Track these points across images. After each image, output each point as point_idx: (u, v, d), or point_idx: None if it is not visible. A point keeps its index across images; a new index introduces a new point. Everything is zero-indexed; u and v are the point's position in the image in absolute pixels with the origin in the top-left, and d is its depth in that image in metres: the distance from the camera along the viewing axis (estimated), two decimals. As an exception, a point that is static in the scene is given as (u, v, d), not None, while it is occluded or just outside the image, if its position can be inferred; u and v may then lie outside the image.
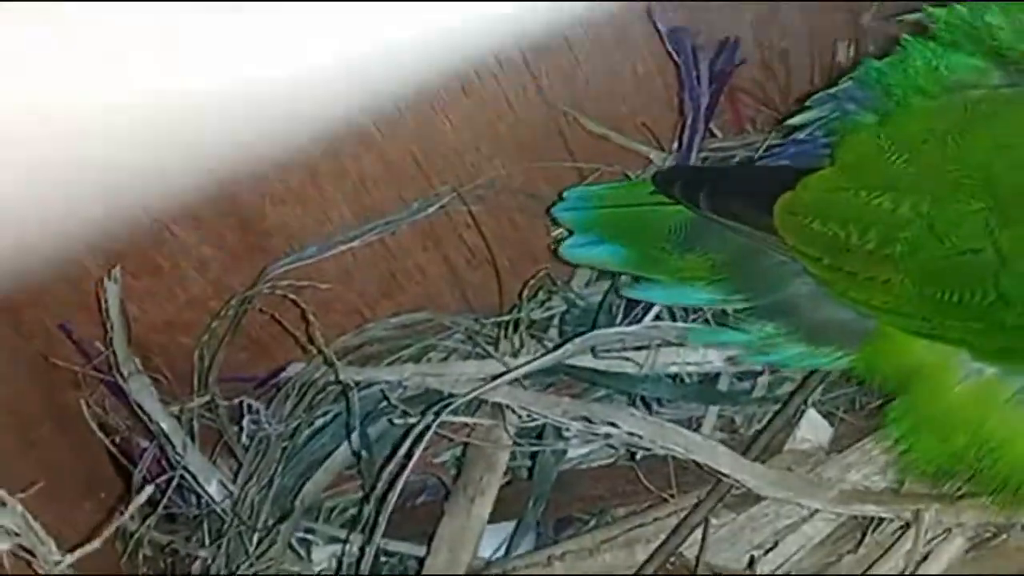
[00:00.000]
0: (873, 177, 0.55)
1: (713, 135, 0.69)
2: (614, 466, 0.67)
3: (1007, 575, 0.57)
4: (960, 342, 0.54)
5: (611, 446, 0.66)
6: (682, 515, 0.61)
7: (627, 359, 0.65)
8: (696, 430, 0.64)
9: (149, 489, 0.54)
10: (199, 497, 0.68)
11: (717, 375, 0.67)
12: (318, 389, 0.68)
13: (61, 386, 0.68)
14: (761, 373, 0.66)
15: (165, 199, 0.63)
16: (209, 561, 0.67)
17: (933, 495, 0.57)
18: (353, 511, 0.69)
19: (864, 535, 0.57)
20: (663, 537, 0.60)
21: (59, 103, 0.57)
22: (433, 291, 0.72)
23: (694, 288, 0.61)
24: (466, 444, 0.66)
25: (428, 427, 0.62)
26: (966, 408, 0.54)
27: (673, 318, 0.65)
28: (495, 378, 0.63)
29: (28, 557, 0.53)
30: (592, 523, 0.66)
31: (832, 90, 0.60)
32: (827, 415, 0.63)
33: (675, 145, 0.68)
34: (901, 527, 0.57)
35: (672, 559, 0.59)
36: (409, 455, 0.61)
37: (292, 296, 0.66)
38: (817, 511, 0.59)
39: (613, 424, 0.62)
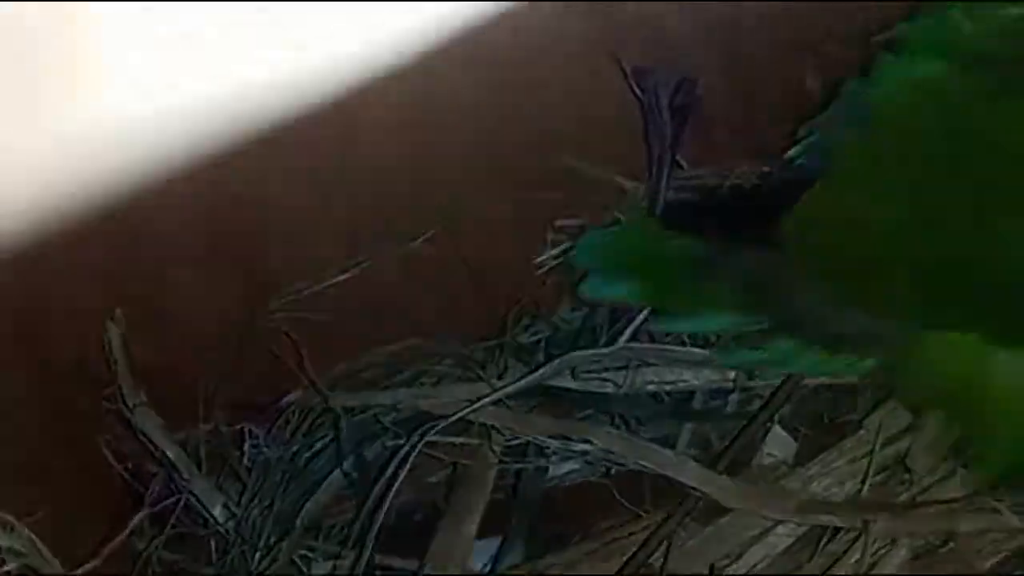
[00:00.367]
0: (867, 185, 0.57)
1: (680, 167, 0.72)
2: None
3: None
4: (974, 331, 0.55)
5: (589, 462, 0.69)
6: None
7: (605, 380, 0.68)
8: (673, 447, 0.67)
9: (144, 513, 0.58)
10: (205, 519, 0.71)
11: (692, 394, 0.69)
12: (315, 415, 0.72)
13: (76, 417, 0.71)
14: (732, 391, 0.69)
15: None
16: (215, 578, 0.70)
17: (884, 505, 0.59)
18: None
19: (818, 545, 0.60)
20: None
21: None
22: (424, 319, 0.75)
23: (715, 314, 0.64)
24: (455, 464, 0.69)
25: (414, 447, 0.65)
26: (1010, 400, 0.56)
27: (652, 340, 0.68)
28: (478, 400, 0.67)
29: (34, 576, 0.56)
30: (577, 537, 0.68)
31: (819, 117, 0.63)
32: (792, 430, 0.66)
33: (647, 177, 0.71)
34: (855, 537, 0.59)
35: (641, 570, 0.62)
36: (396, 474, 0.65)
37: (286, 330, 0.70)
38: (779, 522, 0.61)
39: (588, 441, 0.65)
